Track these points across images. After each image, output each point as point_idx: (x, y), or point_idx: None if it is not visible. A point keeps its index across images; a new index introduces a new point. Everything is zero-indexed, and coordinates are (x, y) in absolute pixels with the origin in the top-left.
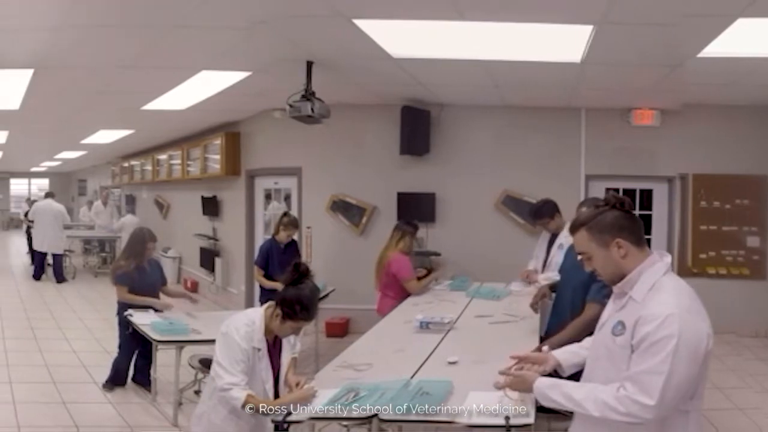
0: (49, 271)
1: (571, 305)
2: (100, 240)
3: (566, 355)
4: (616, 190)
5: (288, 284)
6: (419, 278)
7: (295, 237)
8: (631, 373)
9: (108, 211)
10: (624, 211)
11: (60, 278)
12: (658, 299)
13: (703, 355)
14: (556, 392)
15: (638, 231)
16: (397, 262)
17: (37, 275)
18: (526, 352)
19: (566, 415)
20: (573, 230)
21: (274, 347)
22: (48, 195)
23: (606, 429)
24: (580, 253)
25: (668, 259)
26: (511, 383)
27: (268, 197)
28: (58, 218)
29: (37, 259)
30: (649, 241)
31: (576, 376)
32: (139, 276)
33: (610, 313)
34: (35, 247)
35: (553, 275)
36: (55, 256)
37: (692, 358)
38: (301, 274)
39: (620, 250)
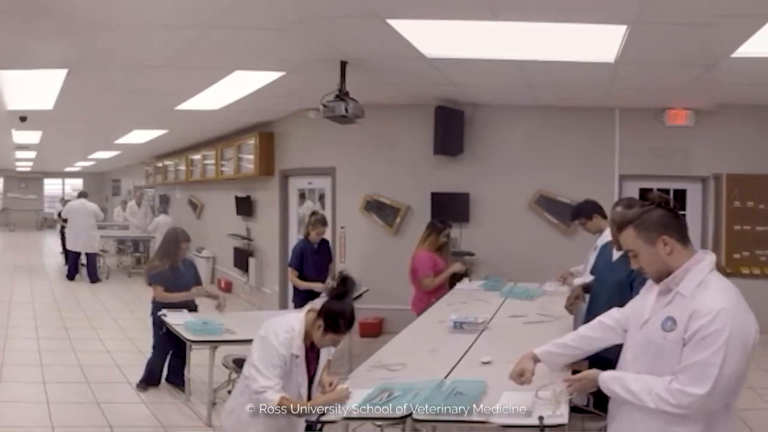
0: (83, 271)
1: (607, 306)
2: (134, 240)
3: (546, 356)
4: (650, 190)
5: (333, 296)
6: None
7: (327, 236)
8: (683, 366)
9: (142, 211)
10: (669, 209)
11: (94, 278)
12: (709, 295)
13: (751, 348)
14: (617, 384)
15: (683, 229)
16: (417, 259)
17: (71, 275)
18: (517, 368)
19: (600, 415)
20: (620, 228)
21: (311, 351)
22: (81, 194)
23: (646, 426)
24: (627, 251)
25: (713, 257)
26: (578, 387)
27: (302, 197)
28: (91, 218)
29: (71, 259)
30: None
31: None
32: (173, 276)
33: (654, 310)
34: (69, 246)
35: (588, 278)
36: (89, 255)
37: (742, 351)
38: (348, 287)
39: (666, 247)
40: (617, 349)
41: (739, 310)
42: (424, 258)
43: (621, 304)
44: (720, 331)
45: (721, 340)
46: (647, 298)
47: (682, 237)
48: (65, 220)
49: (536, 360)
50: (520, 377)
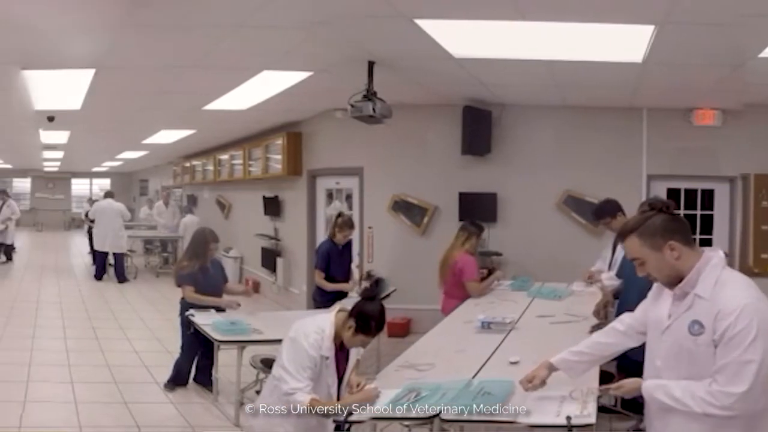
0: (111, 271)
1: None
2: (161, 240)
3: (560, 361)
4: (678, 190)
5: (365, 297)
6: (482, 279)
7: (353, 236)
8: (719, 366)
9: (170, 210)
10: (670, 213)
11: (122, 278)
12: (729, 293)
13: None
14: (660, 392)
15: (687, 232)
16: (462, 262)
17: (99, 275)
18: (529, 374)
19: (628, 415)
20: (623, 237)
21: (341, 352)
22: (108, 194)
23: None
24: (633, 259)
25: (722, 253)
26: (622, 393)
27: (329, 197)
28: (118, 218)
29: (99, 259)
30: (710, 241)
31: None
32: (202, 276)
33: (675, 315)
34: (96, 247)
35: (615, 281)
36: (116, 255)
37: None
38: (380, 289)
39: (673, 252)
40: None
41: (762, 303)
42: (470, 261)
43: None
44: (747, 327)
45: (750, 336)
46: (662, 303)
47: (688, 239)
48: (92, 221)
49: (552, 368)
50: (529, 383)
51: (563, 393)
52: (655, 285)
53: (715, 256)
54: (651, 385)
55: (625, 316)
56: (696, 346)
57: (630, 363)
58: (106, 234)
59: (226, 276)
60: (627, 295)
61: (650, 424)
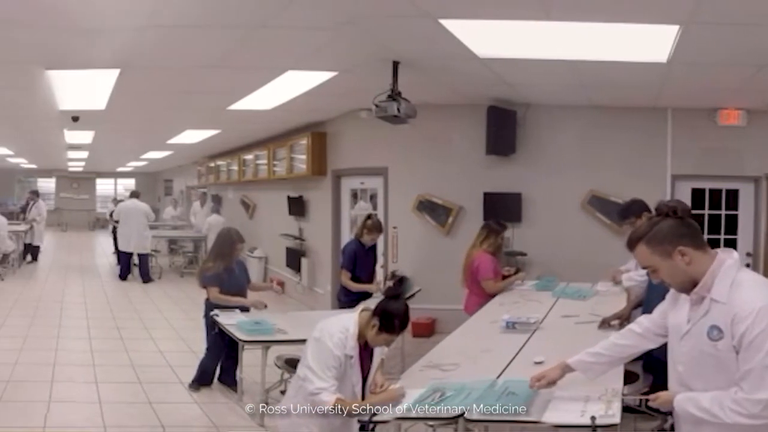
0: (135, 271)
1: None
2: (193, 239)
3: (579, 365)
4: (702, 191)
5: (389, 296)
6: (504, 277)
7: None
8: (742, 373)
9: (204, 211)
10: (678, 218)
11: (146, 278)
12: (744, 295)
13: None
14: (691, 405)
15: (698, 235)
16: (479, 260)
17: (123, 275)
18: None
19: (652, 415)
20: (631, 246)
21: (365, 351)
22: (133, 194)
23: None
24: (644, 267)
25: (736, 255)
26: (658, 405)
27: (354, 197)
28: (143, 218)
29: (123, 259)
30: (735, 241)
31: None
32: (228, 277)
33: (693, 321)
34: (121, 247)
35: (635, 275)
36: (141, 256)
37: None
38: (404, 288)
39: (684, 258)
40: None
41: None
42: (486, 260)
43: None
44: (766, 329)
45: None
46: (681, 307)
47: (699, 243)
48: (117, 221)
49: (568, 370)
50: (537, 381)
51: (587, 393)
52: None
53: (728, 257)
54: (682, 398)
55: (643, 319)
56: (717, 351)
57: (655, 362)
58: (131, 234)
59: (249, 276)
60: (651, 294)
61: (679, 429)
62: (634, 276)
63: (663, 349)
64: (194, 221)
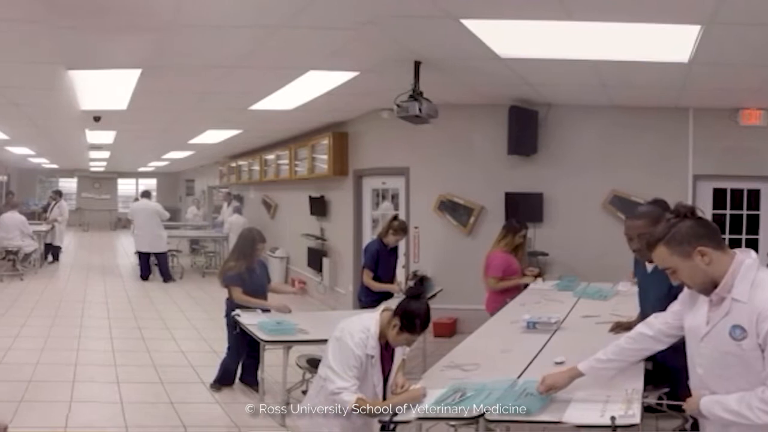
0: (157, 271)
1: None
2: (214, 239)
3: (589, 369)
4: (724, 190)
5: (410, 296)
6: (534, 276)
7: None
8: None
9: (230, 211)
10: (696, 218)
11: (167, 278)
12: (767, 294)
13: None
14: (718, 408)
15: (716, 235)
16: (490, 258)
17: (144, 275)
18: (550, 381)
19: (673, 415)
20: (650, 247)
21: (386, 350)
22: (144, 194)
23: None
24: (664, 269)
25: (754, 254)
26: (687, 410)
27: (382, 197)
28: (154, 217)
29: (142, 259)
30: (756, 241)
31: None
32: (249, 277)
33: (713, 322)
34: (137, 247)
35: None
36: (158, 255)
37: None
38: (425, 288)
39: (704, 258)
40: (682, 356)
41: None
42: (498, 259)
43: None
44: None
45: None
46: (698, 309)
47: (718, 243)
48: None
49: (578, 375)
50: (548, 391)
51: (608, 393)
52: (687, 289)
53: (747, 257)
54: (708, 402)
55: (655, 320)
56: (742, 351)
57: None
58: (144, 234)
59: (269, 276)
60: (642, 303)
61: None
62: None
63: (673, 354)
64: (220, 219)
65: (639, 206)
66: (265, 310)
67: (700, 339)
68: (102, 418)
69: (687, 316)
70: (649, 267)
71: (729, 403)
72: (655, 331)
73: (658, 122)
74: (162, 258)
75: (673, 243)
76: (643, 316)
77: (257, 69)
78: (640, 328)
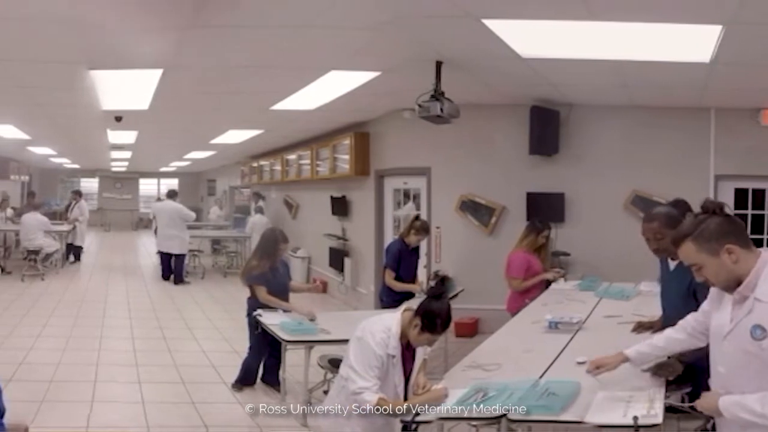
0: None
1: (676, 317)
2: (236, 239)
3: (635, 355)
4: (745, 190)
5: (431, 296)
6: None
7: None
8: None
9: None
10: (725, 215)
11: (178, 279)
12: None
13: None
14: (738, 409)
15: (744, 233)
16: (511, 258)
17: (165, 275)
18: (600, 359)
19: (695, 416)
20: (677, 243)
21: (407, 350)
22: (170, 194)
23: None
24: (690, 265)
25: None
26: (700, 405)
27: (406, 197)
28: (175, 218)
29: (163, 259)
30: None
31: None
32: (273, 276)
33: (735, 320)
34: (158, 247)
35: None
36: (176, 256)
37: None
38: (446, 288)
39: (731, 256)
40: (705, 356)
41: None
42: (519, 259)
43: (685, 314)
44: None
45: None
46: (724, 307)
47: (745, 241)
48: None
49: (624, 360)
50: (596, 369)
51: (630, 393)
52: (714, 288)
53: None
54: (729, 403)
55: (691, 318)
56: (761, 350)
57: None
58: (163, 235)
59: (290, 276)
60: (664, 302)
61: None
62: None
63: (698, 354)
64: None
65: (654, 207)
66: (287, 310)
67: (722, 337)
68: (123, 418)
69: (713, 315)
70: (672, 264)
71: (751, 405)
72: (691, 329)
73: (680, 122)
74: (179, 260)
75: (701, 240)
76: (664, 313)
77: (279, 69)
78: (683, 322)
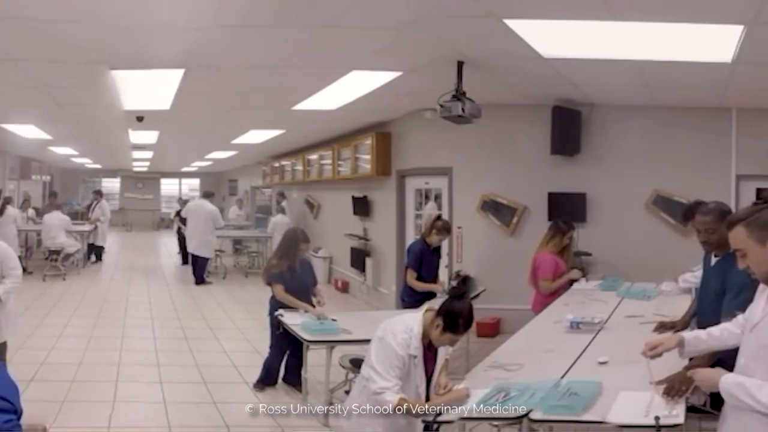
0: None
1: (711, 312)
2: (257, 239)
3: (691, 338)
4: (766, 190)
5: (453, 296)
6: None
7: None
8: None
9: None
10: None
11: (199, 280)
12: None
13: None
14: (741, 391)
15: None
16: (540, 260)
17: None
18: (656, 339)
19: (716, 416)
20: (730, 227)
21: (429, 351)
22: (206, 194)
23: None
24: (735, 250)
25: None
26: (698, 380)
27: (425, 197)
28: (207, 221)
29: (192, 260)
30: None
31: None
32: (290, 276)
33: (764, 313)
34: (188, 248)
35: (690, 275)
36: (198, 258)
37: None
38: (468, 288)
39: None
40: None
41: None
42: (547, 260)
43: (719, 311)
44: None
45: None
46: (758, 300)
47: None
48: (182, 220)
49: (680, 342)
50: (651, 350)
51: (651, 393)
52: (762, 285)
53: None
54: (731, 382)
55: (740, 316)
56: None
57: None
58: (193, 236)
59: (315, 278)
60: (701, 297)
61: (725, 418)
62: (688, 277)
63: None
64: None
65: (709, 203)
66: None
67: (750, 330)
68: (145, 418)
69: (750, 307)
70: (713, 261)
71: (753, 391)
72: (740, 327)
73: (701, 122)
74: (202, 261)
75: (753, 226)
76: (699, 307)
77: (300, 69)
78: (737, 319)
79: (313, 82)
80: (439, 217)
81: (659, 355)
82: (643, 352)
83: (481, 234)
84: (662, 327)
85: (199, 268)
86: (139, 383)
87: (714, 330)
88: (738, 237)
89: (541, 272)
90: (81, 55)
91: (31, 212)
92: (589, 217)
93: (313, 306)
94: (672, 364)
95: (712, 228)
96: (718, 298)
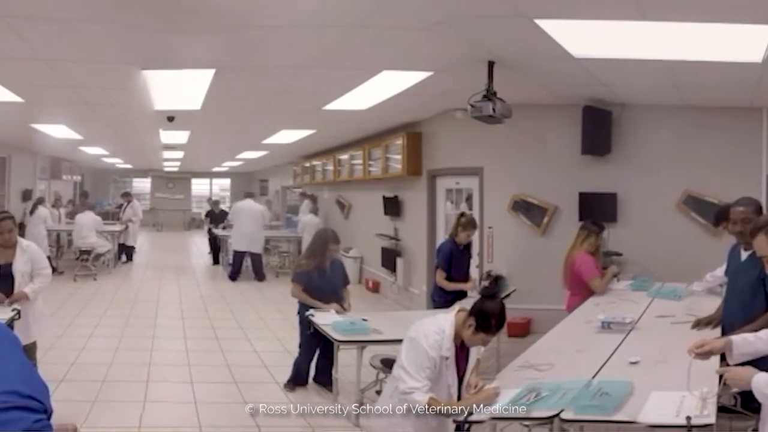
0: (230, 270)
1: (740, 308)
2: (288, 239)
3: (739, 341)
4: None
5: (485, 296)
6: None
7: (474, 236)
8: None
9: (305, 210)
10: None
11: (260, 276)
12: None
13: None
14: None
15: None
16: (580, 262)
17: (234, 276)
18: (704, 340)
19: (748, 415)
20: (753, 234)
21: (461, 351)
22: (248, 195)
23: None
24: (761, 256)
25: None
26: (728, 378)
27: (456, 197)
28: (258, 218)
29: (236, 258)
30: None
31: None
32: (318, 276)
33: None
34: (235, 247)
35: (709, 275)
36: (254, 255)
37: None
38: (500, 287)
39: None
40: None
41: None
42: (588, 260)
43: (753, 305)
44: None
45: None
46: None
47: None
48: (213, 220)
49: (730, 344)
50: (697, 348)
51: (683, 393)
52: None
53: None
54: (763, 380)
55: None
56: None
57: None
58: (245, 234)
59: (347, 277)
60: (729, 294)
61: (765, 420)
62: (707, 277)
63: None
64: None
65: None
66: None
67: None
68: (176, 418)
69: None
70: (744, 255)
71: None
72: None
73: (732, 122)
74: (257, 258)
75: None
76: (727, 304)
77: (331, 69)
78: None
79: (344, 82)
80: (462, 214)
81: (706, 356)
82: (689, 350)
83: (511, 234)
84: (699, 323)
85: (256, 265)
86: (170, 383)
87: (763, 333)
88: (761, 245)
89: (587, 273)
90: (112, 55)
91: (63, 211)
92: (620, 217)
93: (343, 308)
94: (711, 370)
95: (750, 217)
96: (754, 291)
